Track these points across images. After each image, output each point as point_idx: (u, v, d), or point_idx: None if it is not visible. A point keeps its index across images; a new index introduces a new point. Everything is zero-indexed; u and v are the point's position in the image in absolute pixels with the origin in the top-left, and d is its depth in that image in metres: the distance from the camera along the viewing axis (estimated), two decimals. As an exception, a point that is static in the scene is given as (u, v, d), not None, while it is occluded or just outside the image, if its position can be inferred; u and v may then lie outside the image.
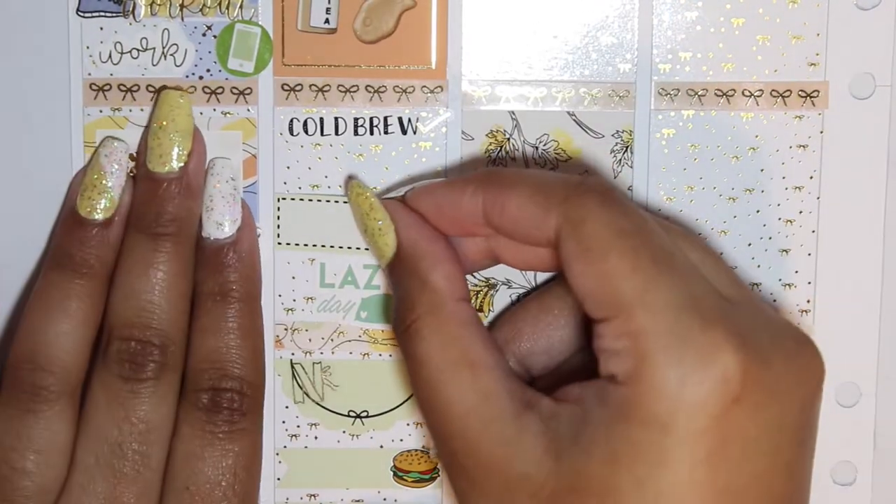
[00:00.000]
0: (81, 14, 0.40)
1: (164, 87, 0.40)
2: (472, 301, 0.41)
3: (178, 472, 0.38)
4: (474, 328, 0.35)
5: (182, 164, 0.39)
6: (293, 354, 0.42)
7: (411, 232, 0.37)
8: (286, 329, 0.42)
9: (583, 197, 0.33)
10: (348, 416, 0.42)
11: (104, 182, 0.39)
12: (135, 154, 0.40)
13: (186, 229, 0.39)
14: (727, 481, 0.31)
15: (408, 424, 0.42)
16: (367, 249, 0.41)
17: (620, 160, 0.41)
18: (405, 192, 0.39)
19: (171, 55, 0.40)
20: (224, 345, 0.39)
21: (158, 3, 0.40)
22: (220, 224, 0.40)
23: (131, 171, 0.40)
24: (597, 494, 0.31)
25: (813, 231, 0.42)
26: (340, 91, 0.41)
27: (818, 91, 0.41)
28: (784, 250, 0.42)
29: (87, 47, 0.40)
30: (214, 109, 0.41)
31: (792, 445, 0.32)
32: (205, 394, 0.38)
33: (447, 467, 0.35)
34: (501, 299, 0.42)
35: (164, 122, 0.39)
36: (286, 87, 0.41)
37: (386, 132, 0.41)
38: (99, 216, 0.39)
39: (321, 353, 0.42)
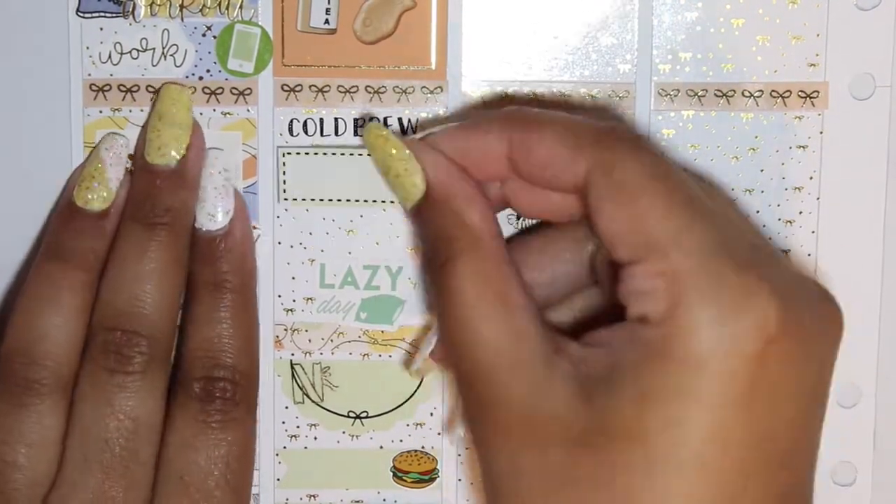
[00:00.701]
0: (81, 14, 0.40)
1: (165, 83, 0.40)
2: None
3: (172, 462, 0.38)
4: (509, 267, 0.35)
5: (180, 157, 0.39)
6: (293, 355, 0.42)
7: (440, 171, 0.36)
8: (286, 329, 0.42)
9: (614, 141, 0.33)
10: (348, 416, 0.42)
11: (103, 173, 0.39)
12: (132, 154, 0.40)
13: (182, 221, 0.39)
14: (758, 423, 0.31)
15: (407, 425, 0.42)
16: (366, 251, 0.41)
17: (620, 161, 0.41)
18: (420, 139, 0.37)
19: (171, 55, 0.40)
20: (216, 334, 0.39)
21: (158, 3, 0.40)
22: (213, 215, 0.40)
23: (129, 168, 0.40)
24: (627, 434, 0.31)
25: (813, 232, 0.42)
26: (340, 92, 0.41)
27: (818, 91, 0.41)
28: (784, 251, 0.42)
29: (87, 48, 0.40)
30: (214, 110, 0.41)
31: (817, 393, 0.32)
32: (197, 383, 0.38)
33: (469, 410, 0.34)
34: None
35: (164, 115, 0.39)
36: (286, 88, 0.41)
37: (386, 133, 0.41)
38: (95, 207, 0.39)
39: (321, 353, 0.42)
